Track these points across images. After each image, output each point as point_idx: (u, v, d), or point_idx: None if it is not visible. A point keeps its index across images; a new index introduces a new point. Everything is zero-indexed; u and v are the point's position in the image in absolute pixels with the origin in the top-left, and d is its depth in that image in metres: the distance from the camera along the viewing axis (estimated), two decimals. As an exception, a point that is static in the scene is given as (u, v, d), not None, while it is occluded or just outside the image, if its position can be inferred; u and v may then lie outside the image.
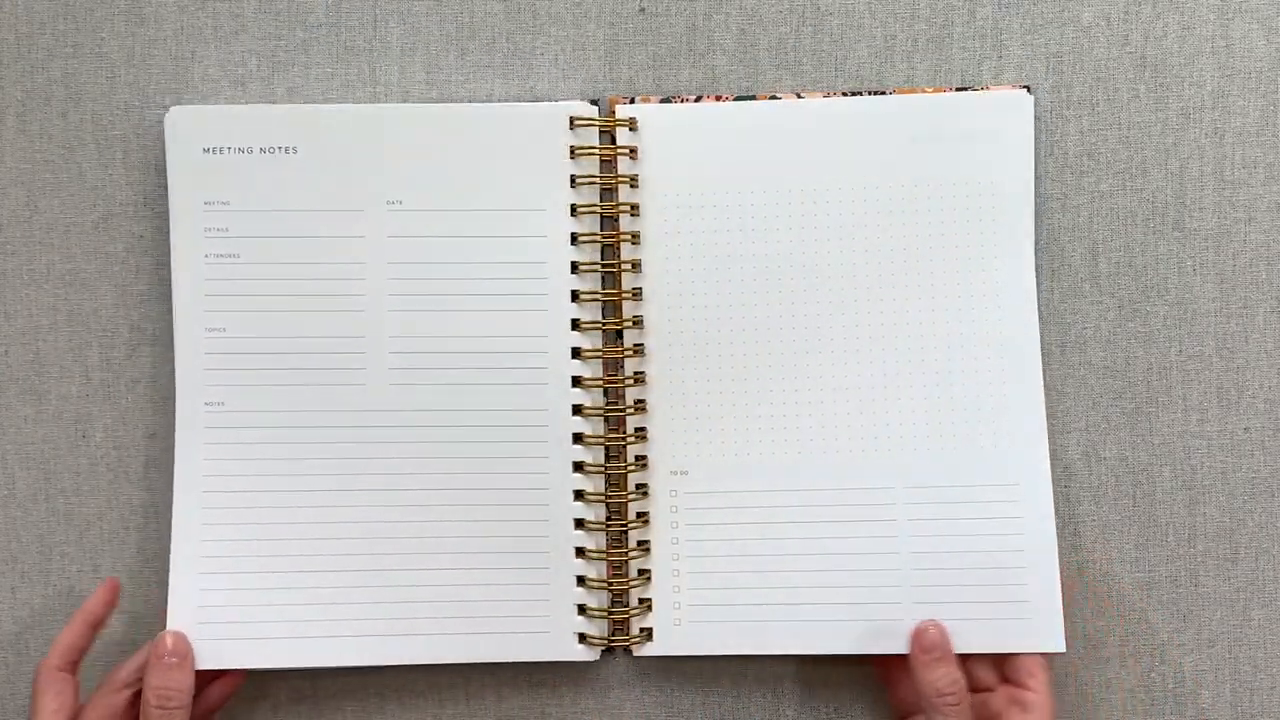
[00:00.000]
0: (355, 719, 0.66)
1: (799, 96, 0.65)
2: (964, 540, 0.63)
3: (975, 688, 0.62)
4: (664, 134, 0.65)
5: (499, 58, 0.66)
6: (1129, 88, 0.65)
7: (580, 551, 0.64)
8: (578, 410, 0.64)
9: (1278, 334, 0.65)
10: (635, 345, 0.65)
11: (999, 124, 0.64)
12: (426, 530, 0.63)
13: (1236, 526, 0.66)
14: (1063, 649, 0.62)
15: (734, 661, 0.66)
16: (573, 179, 0.64)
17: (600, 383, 0.64)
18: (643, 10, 0.66)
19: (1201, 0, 0.65)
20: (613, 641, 0.65)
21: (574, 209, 0.64)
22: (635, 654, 0.65)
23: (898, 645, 0.62)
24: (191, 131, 0.63)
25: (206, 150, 0.63)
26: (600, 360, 0.64)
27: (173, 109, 0.64)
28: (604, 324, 0.64)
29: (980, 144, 0.64)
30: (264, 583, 0.63)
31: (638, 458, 0.65)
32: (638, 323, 0.65)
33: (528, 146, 0.64)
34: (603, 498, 0.64)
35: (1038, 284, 0.65)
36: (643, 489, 0.65)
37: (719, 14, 0.66)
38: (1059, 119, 0.65)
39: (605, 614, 0.64)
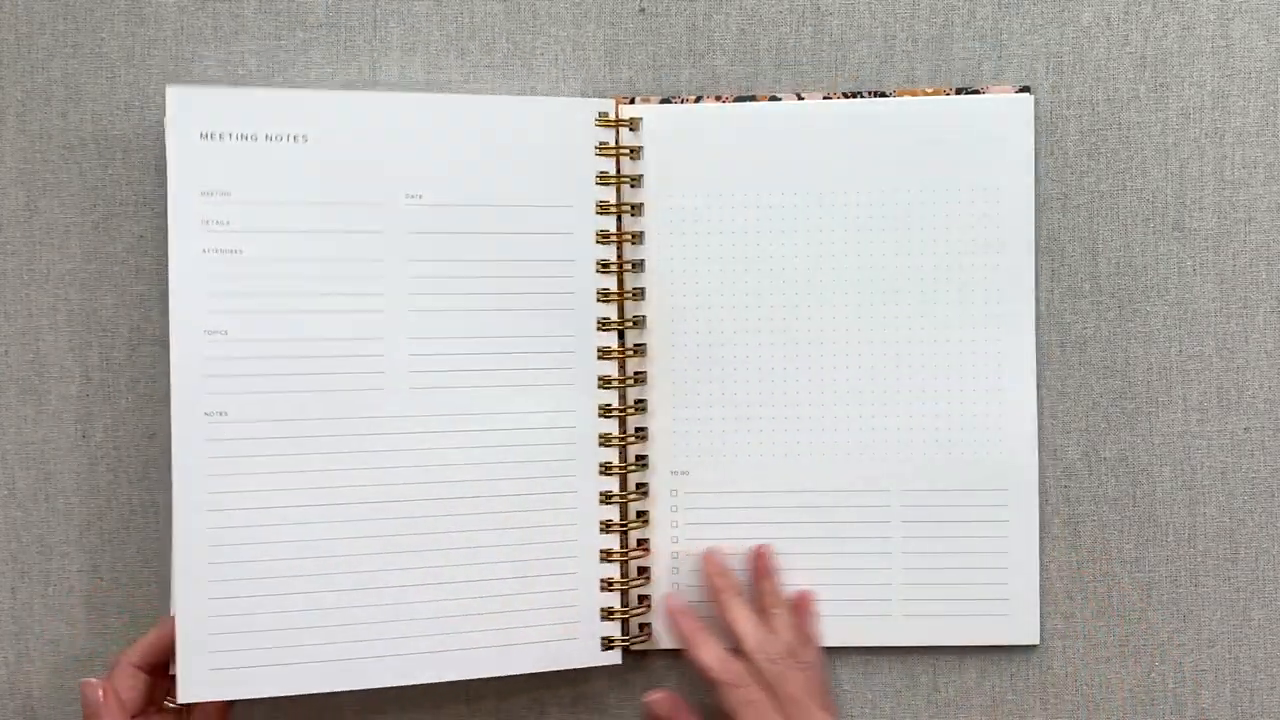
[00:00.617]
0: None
1: (799, 97, 0.65)
2: (951, 542, 0.65)
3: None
4: (666, 134, 0.65)
5: (499, 58, 0.66)
6: (1129, 88, 0.65)
7: (603, 555, 0.63)
8: (605, 412, 0.62)
9: (1278, 334, 0.65)
10: (636, 345, 0.65)
11: (1000, 127, 0.64)
12: (450, 541, 0.61)
13: (1236, 526, 0.66)
14: (1036, 641, 0.65)
15: (734, 661, 0.66)
16: (601, 175, 0.63)
17: (621, 382, 0.64)
18: (643, 10, 0.66)
19: (1201, 0, 0.65)
20: (621, 642, 0.64)
21: (603, 206, 0.63)
22: (635, 650, 0.65)
23: (889, 639, 0.65)
24: (189, 114, 0.59)
25: (204, 136, 0.59)
26: (618, 360, 0.64)
27: (170, 87, 0.60)
28: (612, 324, 0.64)
29: (981, 146, 0.64)
30: (278, 606, 0.59)
31: (638, 458, 0.65)
32: (638, 323, 0.65)
33: (556, 141, 0.62)
34: (615, 499, 0.64)
35: (1037, 284, 0.65)
36: (642, 489, 0.65)
37: (719, 14, 0.66)
38: (1059, 119, 0.65)
39: (612, 615, 0.64)
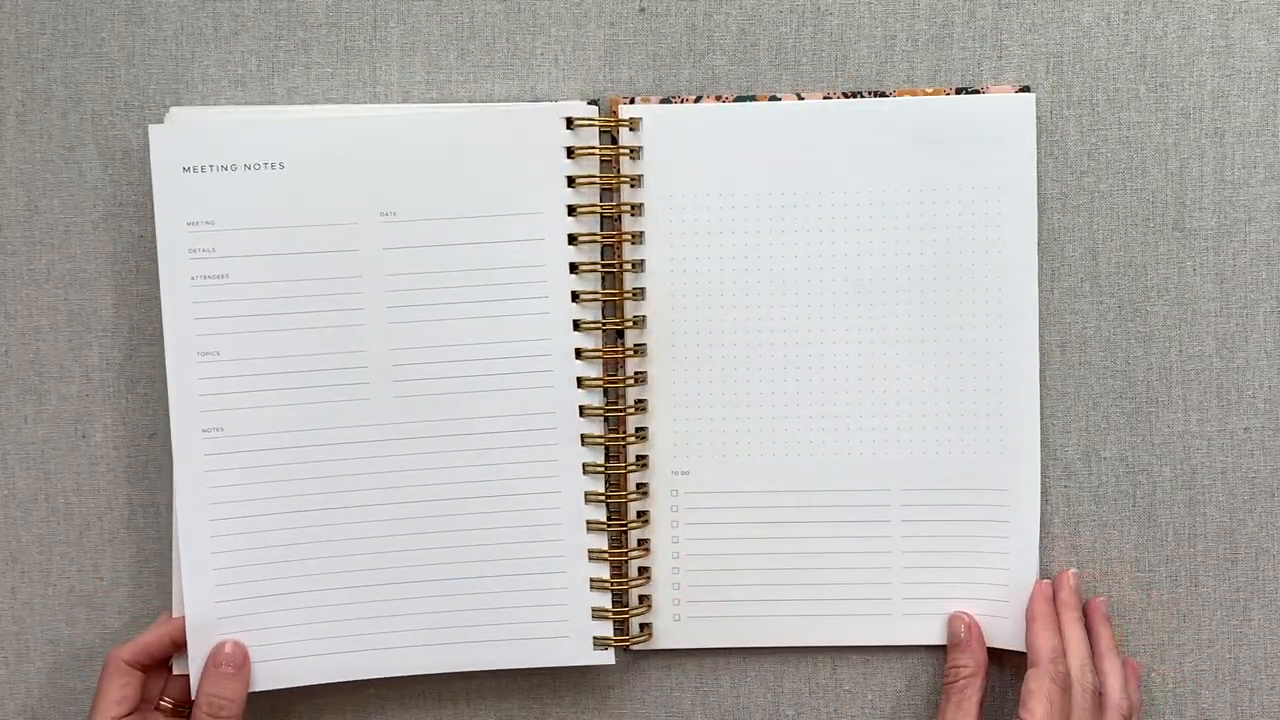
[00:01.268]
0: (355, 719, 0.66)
1: (799, 97, 0.65)
2: (951, 541, 0.65)
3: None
4: (665, 134, 0.64)
5: (499, 58, 0.66)
6: (1129, 88, 0.65)
7: (591, 554, 0.64)
8: (583, 412, 0.64)
9: (1278, 334, 0.65)
10: (636, 345, 0.65)
11: (1001, 127, 0.64)
12: (439, 541, 0.63)
13: (1236, 526, 0.66)
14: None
15: (734, 662, 0.66)
16: (570, 179, 0.64)
17: (600, 383, 0.64)
18: (643, 10, 0.66)
19: (1201, 0, 0.65)
20: (615, 642, 0.65)
21: (572, 209, 0.64)
22: (635, 649, 0.65)
23: (889, 638, 0.65)
24: (170, 149, 0.62)
25: (187, 169, 0.62)
26: (600, 361, 0.64)
27: (153, 127, 0.62)
28: (605, 324, 0.64)
29: (982, 147, 0.64)
30: (277, 605, 0.63)
31: (638, 457, 0.65)
32: (639, 323, 0.65)
33: (522, 148, 0.63)
34: (603, 497, 0.64)
35: (1038, 284, 0.65)
36: (643, 489, 0.65)
37: (719, 14, 0.66)
38: (1059, 119, 0.65)
39: (607, 614, 0.64)
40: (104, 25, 0.66)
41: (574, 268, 0.64)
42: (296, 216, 0.62)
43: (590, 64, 0.66)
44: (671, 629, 0.65)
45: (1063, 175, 0.65)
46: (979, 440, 0.64)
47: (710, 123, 0.65)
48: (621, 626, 0.65)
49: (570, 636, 0.63)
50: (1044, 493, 0.65)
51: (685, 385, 0.65)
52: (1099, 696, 0.61)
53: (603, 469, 0.64)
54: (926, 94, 0.65)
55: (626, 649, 0.65)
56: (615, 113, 0.65)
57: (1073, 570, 0.65)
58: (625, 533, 0.64)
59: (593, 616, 0.64)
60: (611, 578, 0.64)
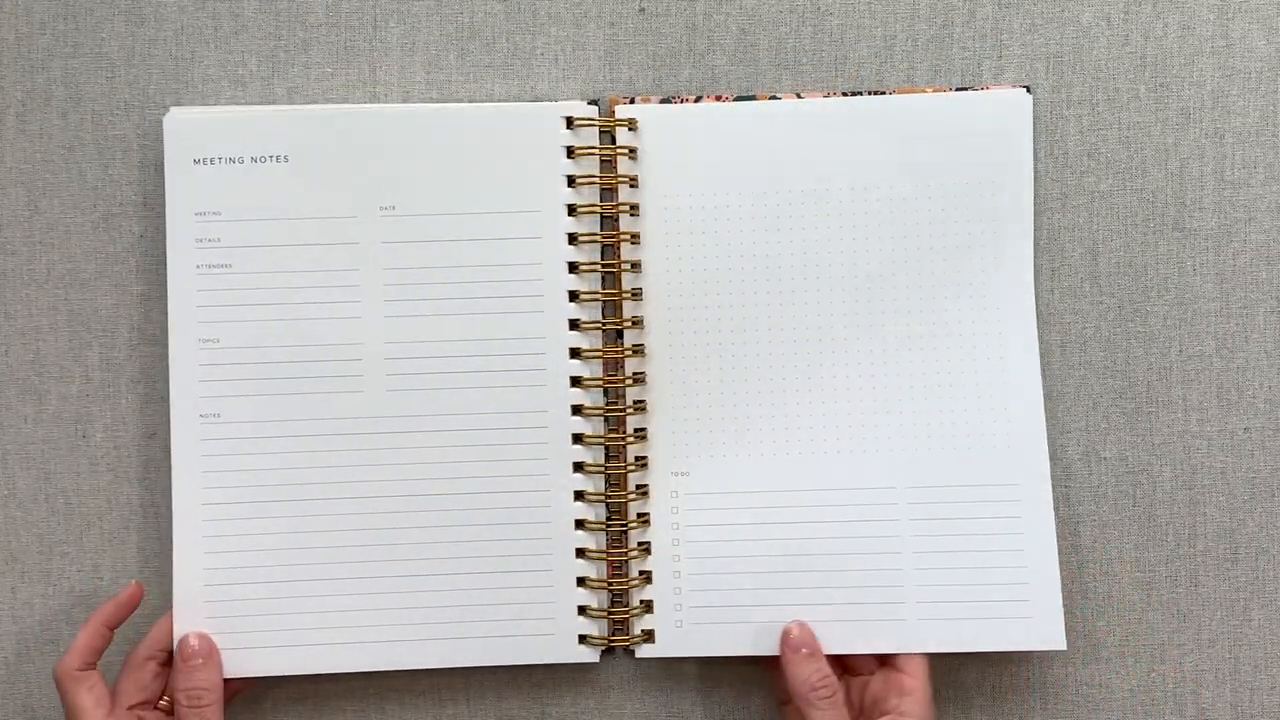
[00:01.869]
0: (355, 718, 0.66)
1: (799, 97, 0.65)
2: (964, 540, 0.63)
3: (855, 673, 0.64)
4: (664, 134, 0.64)
5: (499, 58, 0.66)
6: (1129, 88, 0.65)
7: (580, 552, 0.64)
8: (577, 410, 0.64)
9: (1278, 334, 0.65)
10: (635, 345, 0.65)
11: (999, 124, 0.64)
12: (427, 535, 0.63)
13: (1236, 526, 0.66)
14: (1063, 646, 0.63)
15: (735, 663, 0.66)
16: (570, 179, 0.64)
17: (600, 383, 0.64)
18: (643, 10, 0.66)
19: (1201, 0, 0.65)
20: (613, 642, 0.64)
21: (572, 209, 0.64)
22: (637, 655, 0.65)
23: (901, 644, 0.63)
24: (182, 141, 0.63)
25: (197, 161, 0.63)
26: (600, 360, 0.64)
27: (171, 110, 0.64)
28: (604, 324, 0.64)
29: (980, 144, 0.64)
30: (267, 592, 0.63)
31: (638, 458, 0.65)
32: (638, 323, 0.65)
33: (523, 147, 0.64)
34: (603, 498, 0.64)
35: (1037, 284, 0.65)
36: (643, 489, 0.65)
37: (719, 14, 0.66)
38: (1059, 119, 0.65)
39: (605, 614, 0.64)
40: (104, 25, 0.66)
41: (573, 267, 0.64)
42: (298, 209, 0.63)
43: (590, 64, 0.66)
44: (674, 636, 0.64)
45: (1063, 175, 0.65)
46: (983, 437, 0.64)
47: (710, 123, 0.65)
48: (621, 626, 0.64)
49: (555, 634, 0.64)
50: (1044, 493, 0.65)
51: (685, 385, 0.65)
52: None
53: (603, 469, 0.64)
54: (926, 93, 0.65)
55: (628, 652, 0.65)
56: (614, 113, 0.65)
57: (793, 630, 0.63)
58: (625, 534, 0.64)
59: (579, 614, 0.64)
60: (610, 578, 0.64)
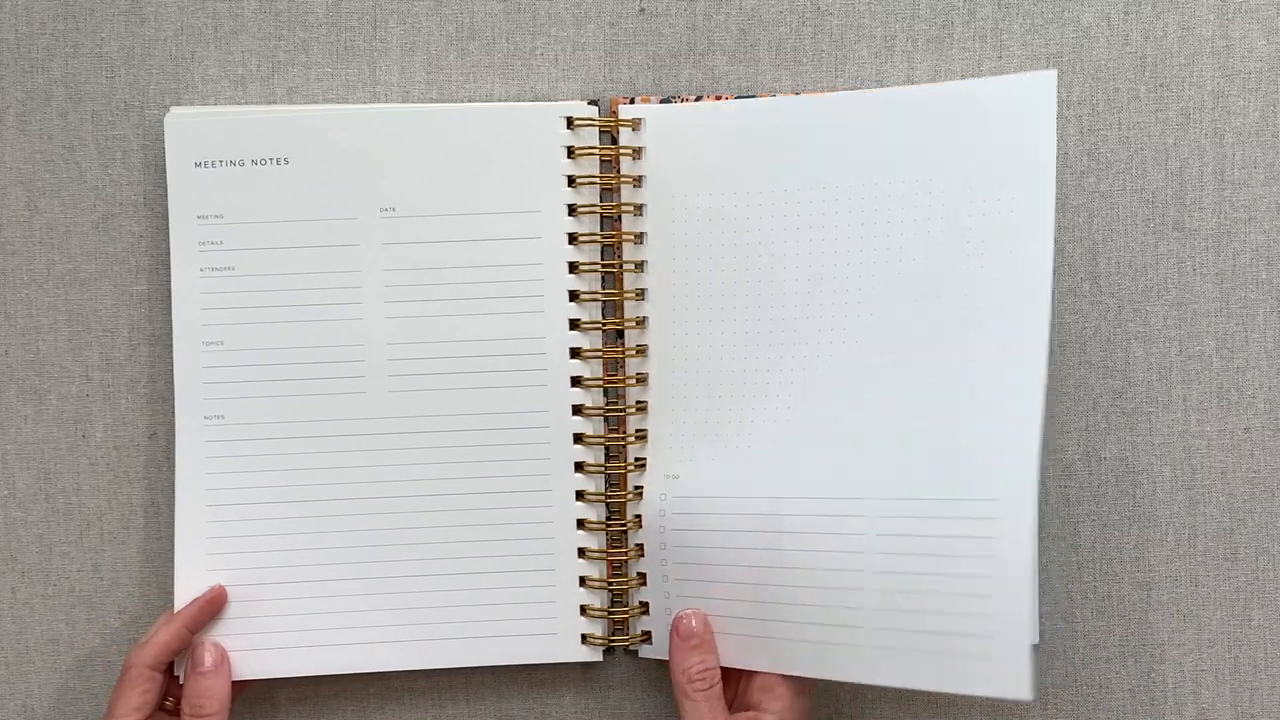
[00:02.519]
0: (355, 718, 0.66)
1: (799, 96, 0.65)
2: (932, 560, 0.58)
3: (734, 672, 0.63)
4: (666, 134, 0.64)
5: (499, 58, 0.66)
6: (1129, 88, 0.65)
7: (581, 552, 0.64)
8: (578, 410, 0.64)
9: (1278, 334, 0.65)
10: (638, 346, 0.65)
11: (1016, 107, 0.59)
12: (430, 535, 0.63)
13: (1236, 526, 0.66)
14: (1028, 698, 0.55)
15: (734, 661, 0.66)
16: (571, 179, 0.64)
17: (600, 383, 0.64)
18: (643, 10, 0.66)
19: (1201, 0, 0.65)
20: (613, 642, 0.65)
21: (572, 209, 0.64)
22: (634, 651, 0.65)
23: (856, 674, 0.59)
24: (183, 144, 0.63)
25: (199, 164, 0.63)
26: (601, 360, 0.64)
27: (172, 110, 0.64)
28: (605, 324, 0.64)
29: (993, 134, 0.59)
30: (270, 594, 0.63)
31: (638, 459, 0.65)
32: (640, 323, 0.65)
33: (522, 147, 0.64)
34: (603, 497, 0.64)
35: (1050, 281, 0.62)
36: (639, 491, 0.65)
37: (719, 14, 0.66)
38: (1059, 119, 0.65)
39: (605, 614, 0.64)
40: (104, 25, 0.66)
41: (574, 267, 0.64)
42: (300, 211, 0.63)
43: (590, 64, 0.66)
44: (666, 638, 0.63)
45: (1063, 175, 0.65)
46: (978, 440, 0.62)
47: (710, 123, 0.65)
48: (621, 626, 0.64)
49: (558, 633, 0.64)
50: (1044, 493, 0.65)
51: (682, 388, 0.65)
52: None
53: (602, 469, 0.64)
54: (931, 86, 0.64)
55: (628, 651, 0.65)
56: (615, 113, 0.65)
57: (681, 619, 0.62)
58: (625, 534, 0.64)
59: (581, 614, 0.64)
60: (610, 577, 0.64)
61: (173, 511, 0.64)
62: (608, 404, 0.65)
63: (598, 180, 0.64)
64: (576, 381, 0.64)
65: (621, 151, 0.64)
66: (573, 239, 0.64)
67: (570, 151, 0.64)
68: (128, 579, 0.66)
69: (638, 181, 0.65)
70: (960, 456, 0.59)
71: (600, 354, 0.64)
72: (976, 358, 0.60)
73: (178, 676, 0.62)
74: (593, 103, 0.65)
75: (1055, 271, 0.65)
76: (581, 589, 0.64)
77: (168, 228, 0.64)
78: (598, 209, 0.64)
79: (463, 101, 0.66)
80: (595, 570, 0.64)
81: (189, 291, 0.63)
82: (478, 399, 0.63)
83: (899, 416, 0.61)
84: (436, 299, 0.63)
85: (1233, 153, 0.65)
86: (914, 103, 0.61)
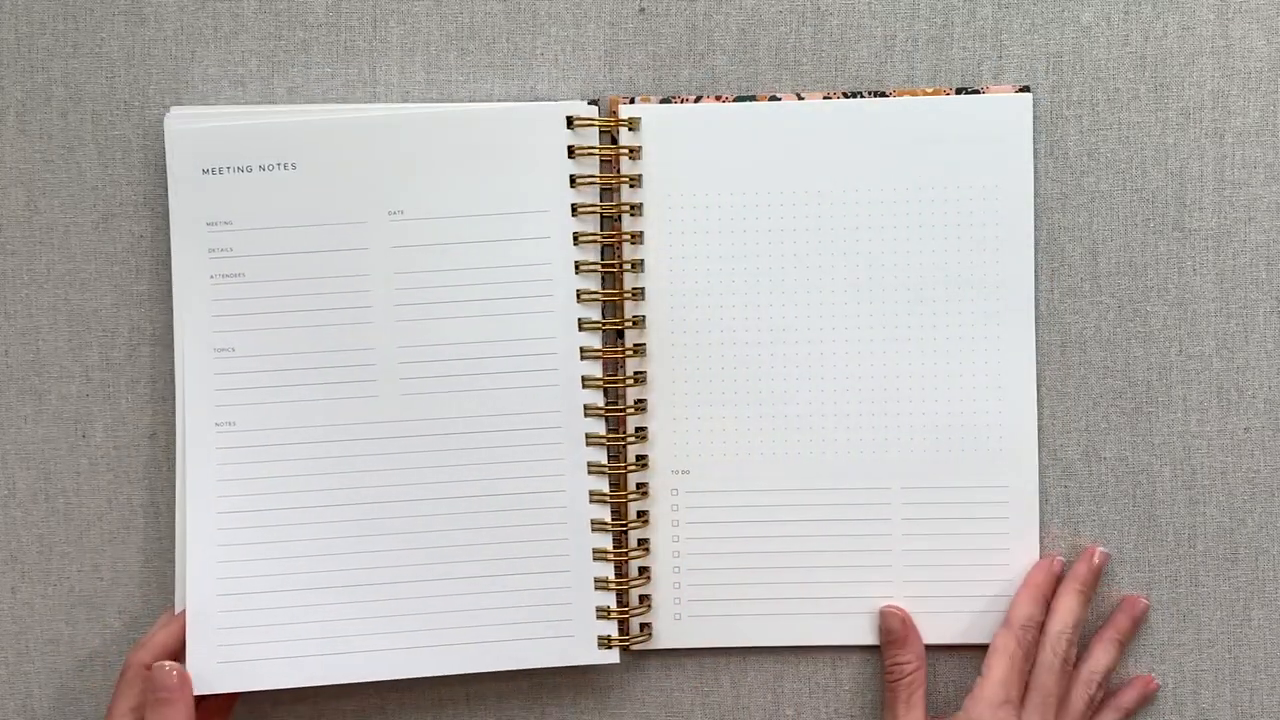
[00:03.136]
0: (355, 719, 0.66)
1: (799, 97, 0.65)
2: (953, 539, 0.65)
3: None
4: (665, 134, 0.64)
5: (499, 58, 0.66)
6: (1129, 88, 0.65)
7: (594, 554, 0.64)
8: (588, 411, 0.64)
9: (1278, 334, 0.65)
10: (636, 345, 0.65)
11: (999, 127, 0.64)
12: (445, 540, 0.63)
13: (1236, 526, 0.66)
14: None
15: (734, 661, 0.66)
16: (572, 179, 0.64)
17: (600, 383, 0.64)
18: (643, 10, 0.66)
19: (1201, 0, 0.65)
20: (617, 642, 0.65)
21: (575, 209, 0.64)
22: (635, 649, 0.65)
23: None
24: (187, 150, 0.63)
25: (206, 171, 0.63)
26: (601, 360, 0.64)
27: (172, 111, 0.64)
28: (605, 324, 0.64)
29: (980, 147, 0.64)
30: (285, 601, 0.63)
31: (638, 457, 0.65)
32: (638, 323, 0.65)
33: (526, 147, 0.63)
34: (607, 498, 0.64)
35: (1037, 284, 0.65)
36: (643, 488, 0.65)
37: (719, 14, 0.66)
38: (1059, 119, 0.65)
39: (617, 614, 0.64)
40: (104, 25, 0.66)
41: (577, 267, 0.64)
42: (309, 216, 0.63)
43: (590, 64, 0.66)
44: (671, 628, 0.65)
45: (1063, 175, 0.65)
46: (978, 440, 0.64)
47: (710, 123, 0.65)
48: (623, 626, 0.65)
49: (575, 636, 0.63)
50: (1044, 493, 0.65)
51: (686, 385, 0.65)
52: (1070, 666, 0.62)
53: (605, 469, 0.64)
54: (926, 94, 0.65)
55: (627, 649, 0.65)
56: (615, 113, 0.65)
57: (1100, 549, 0.65)
58: (626, 533, 0.64)
59: (597, 616, 0.64)
60: (614, 578, 0.64)
61: (173, 512, 0.64)
62: (608, 404, 0.65)
63: (597, 180, 0.64)
64: (585, 382, 0.64)
65: (620, 151, 0.64)
66: (576, 239, 0.64)
67: (571, 151, 0.64)
68: (128, 579, 0.66)
69: (636, 181, 0.65)
70: (968, 451, 0.65)
71: (600, 354, 0.64)
72: (971, 357, 0.65)
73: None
74: (593, 103, 0.65)
75: (1055, 272, 0.65)
76: (597, 591, 0.64)
77: (168, 230, 0.64)
78: (598, 209, 0.64)
79: (463, 101, 0.66)
80: (609, 571, 0.64)
81: (198, 298, 0.63)
82: (489, 401, 0.63)
83: (904, 413, 0.65)
84: (446, 301, 0.63)
85: (1233, 153, 0.65)
86: (906, 113, 0.64)
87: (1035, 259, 0.65)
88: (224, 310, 0.63)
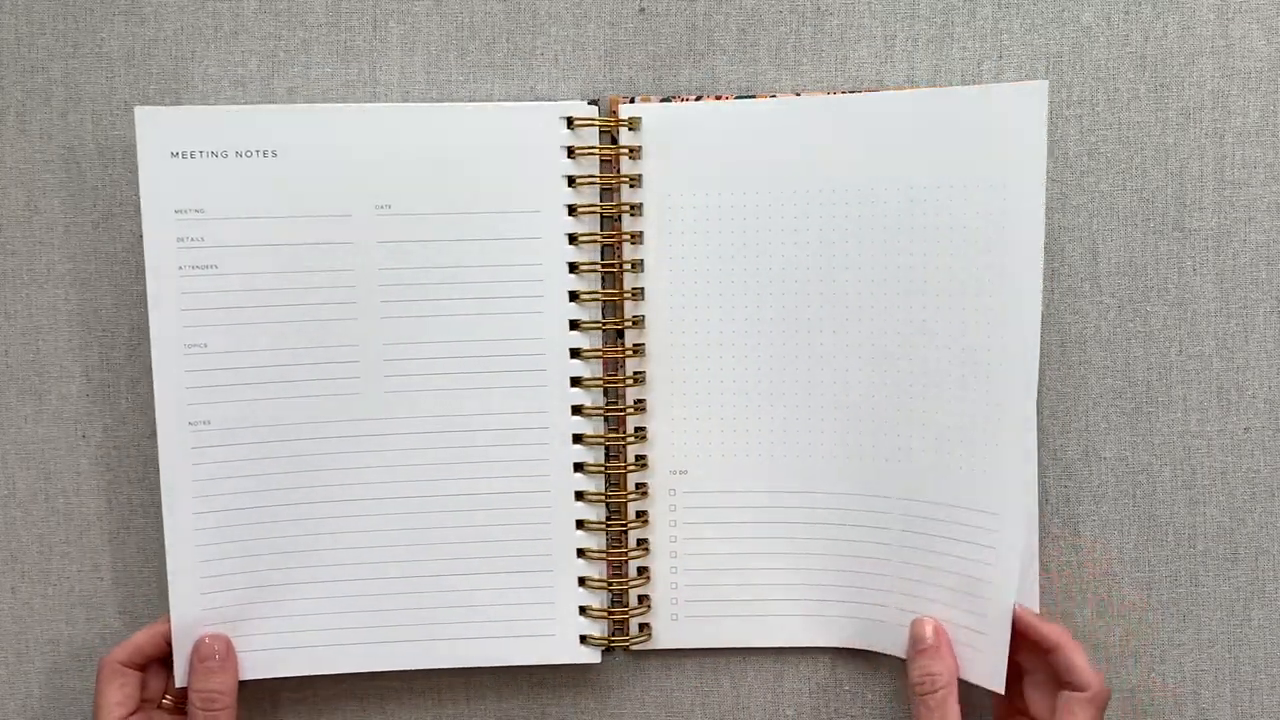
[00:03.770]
0: (355, 718, 0.66)
1: (799, 97, 0.65)
2: (952, 541, 0.63)
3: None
4: (665, 134, 0.64)
5: (499, 58, 0.66)
6: (1129, 88, 0.65)
7: (580, 553, 0.64)
8: (577, 410, 0.64)
9: (1278, 334, 0.65)
10: (635, 345, 0.65)
11: (1008, 119, 0.61)
12: (427, 536, 0.63)
13: (1236, 526, 0.66)
14: (1000, 690, 0.61)
15: (734, 662, 0.66)
16: (571, 179, 0.64)
17: (600, 383, 0.64)
18: (643, 10, 0.66)
19: (1201, 0, 0.65)
20: (613, 641, 0.65)
21: (572, 209, 0.64)
22: (634, 650, 0.65)
23: (887, 643, 0.64)
24: (158, 134, 0.60)
25: (175, 154, 0.60)
26: (600, 360, 0.64)
27: (138, 108, 0.61)
28: (604, 324, 0.64)
29: (988, 140, 0.61)
30: (265, 595, 0.63)
31: (637, 457, 0.65)
32: (638, 323, 0.65)
33: (522, 147, 0.63)
34: (603, 498, 0.64)
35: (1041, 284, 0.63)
36: (641, 488, 0.65)
37: (719, 14, 0.66)
38: (1059, 119, 0.65)
39: (605, 614, 0.64)
40: (104, 25, 0.66)
41: (573, 267, 0.64)
42: (289, 206, 0.61)
43: (590, 64, 0.66)
44: (670, 629, 0.65)
45: (1063, 175, 0.65)
46: (977, 440, 0.63)
47: (710, 123, 0.65)
48: (621, 626, 0.65)
49: (556, 634, 0.64)
50: (1044, 493, 0.65)
51: (685, 385, 0.65)
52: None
53: (603, 469, 0.64)
54: (929, 90, 0.64)
55: (626, 649, 0.65)
56: (615, 112, 0.65)
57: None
58: (625, 533, 0.64)
59: (580, 614, 0.64)
60: (610, 578, 0.64)
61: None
62: (607, 404, 0.65)
63: (597, 180, 0.64)
64: (576, 382, 0.64)
65: (620, 151, 0.64)
66: (573, 239, 0.64)
67: (570, 151, 0.64)
68: (128, 579, 0.66)
69: (636, 181, 0.65)
70: (963, 468, 0.63)
71: (600, 354, 0.64)
72: (973, 356, 0.63)
73: (175, 682, 0.62)
74: (593, 103, 0.65)
75: (1055, 272, 0.65)
76: (581, 589, 0.64)
77: (143, 246, 0.62)
78: (598, 209, 0.64)
79: (463, 101, 0.66)
80: (595, 571, 0.64)
81: (167, 291, 0.61)
82: (476, 400, 0.63)
83: (905, 415, 0.64)
84: (434, 299, 0.63)
85: (1233, 153, 0.65)
86: (910, 106, 0.63)
87: (1042, 257, 0.63)
88: (195, 304, 0.61)
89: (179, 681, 0.61)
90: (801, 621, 0.65)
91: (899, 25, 0.66)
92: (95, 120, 0.66)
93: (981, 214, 0.62)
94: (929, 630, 0.62)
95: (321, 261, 0.62)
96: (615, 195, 0.65)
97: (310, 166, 0.61)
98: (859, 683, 0.66)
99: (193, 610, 0.62)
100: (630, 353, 0.64)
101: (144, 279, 0.65)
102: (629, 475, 0.65)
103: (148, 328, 0.65)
